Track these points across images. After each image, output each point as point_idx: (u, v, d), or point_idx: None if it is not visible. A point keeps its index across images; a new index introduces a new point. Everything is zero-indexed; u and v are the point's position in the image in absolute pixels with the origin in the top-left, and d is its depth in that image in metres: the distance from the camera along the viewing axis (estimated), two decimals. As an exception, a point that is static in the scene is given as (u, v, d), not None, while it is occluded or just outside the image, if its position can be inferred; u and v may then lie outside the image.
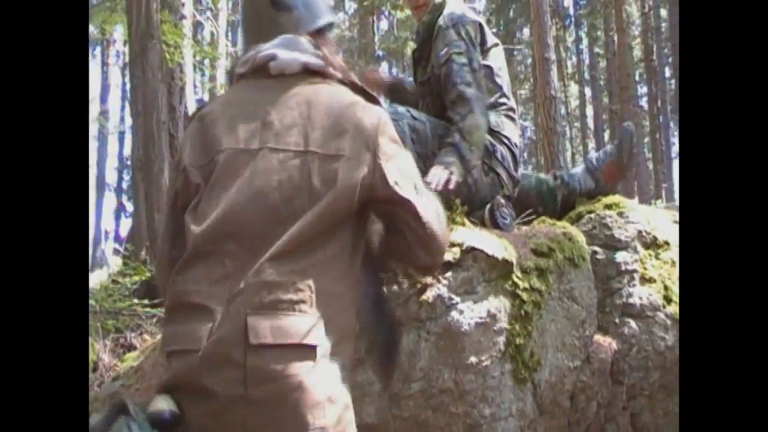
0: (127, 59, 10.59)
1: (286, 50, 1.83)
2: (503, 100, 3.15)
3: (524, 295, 2.55)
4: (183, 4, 8.67)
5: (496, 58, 3.17)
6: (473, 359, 2.43)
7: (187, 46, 8.59)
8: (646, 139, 24.09)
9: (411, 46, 3.53)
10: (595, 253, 2.85)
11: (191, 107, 8.68)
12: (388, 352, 2.07)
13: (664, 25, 22.84)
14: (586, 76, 26.16)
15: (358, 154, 1.70)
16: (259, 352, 1.51)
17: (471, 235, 2.58)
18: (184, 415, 1.54)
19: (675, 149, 23.91)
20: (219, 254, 1.61)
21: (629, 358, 2.72)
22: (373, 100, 1.84)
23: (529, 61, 21.70)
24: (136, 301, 5.75)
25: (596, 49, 24.93)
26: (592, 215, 2.99)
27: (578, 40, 26.63)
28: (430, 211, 1.80)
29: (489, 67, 3.12)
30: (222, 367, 1.52)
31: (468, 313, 2.45)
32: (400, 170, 1.76)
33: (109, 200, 28.48)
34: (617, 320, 2.78)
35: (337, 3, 25.14)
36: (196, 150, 1.76)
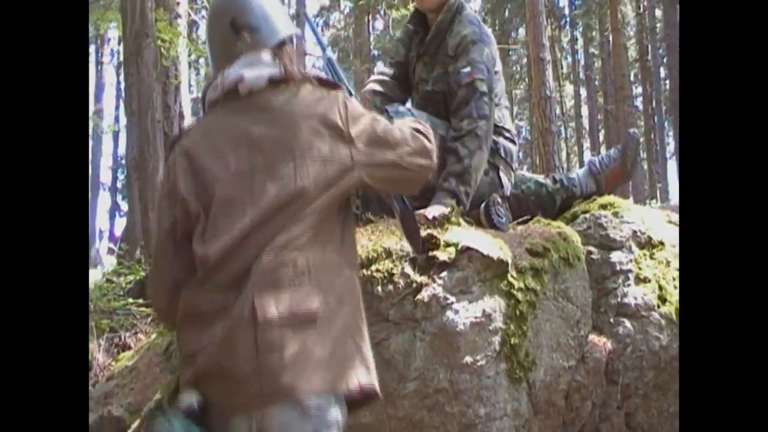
0: (121, 58, 10.56)
1: (250, 69, 1.94)
2: (503, 100, 3.19)
3: (519, 295, 2.55)
4: (178, 3, 8.64)
5: (498, 62, 3.20)
6: (468, 359, 2.43)
7: (182, 45, 8.56)
8: (641, 139, 24.10)
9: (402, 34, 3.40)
10: (590, 252, 2.85)
11: (186, 106, 8.66)
12: (407, 223, 2.24)
13: (659, 25, 22.87)
14: (581, 76, 26.16)
15: (337, 153, 1.86)
16: (267, 326, 1.68)
17: (466, 235, 2.58)
18: (209, 402, 1.71)
19: (670, 149, 23.96)
20: (230, 269, 1.78)
21: (624, 357, 2.73)
22: (335, 87, 1.99)
23: (525, 61, 21.69)
24: (130, 300, 5.74)
25: (591, 50, 24.94)
26: (587, 215, 2.99)
27: (573, 40, 26.63)
28: (411, 157, 1.96)
29: (497, 73, 3.14)
30: (236, 345, 1.69)
31: (463, 313, 2.45)
32: (373, 144, 1.91)
33: (104, 199, 28.43)
34: (612, 320, 2.78)
35: (333, 2, 25.14)
36: (190, 182, 1.88)
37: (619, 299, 2.79)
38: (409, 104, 3.17)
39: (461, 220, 2.70)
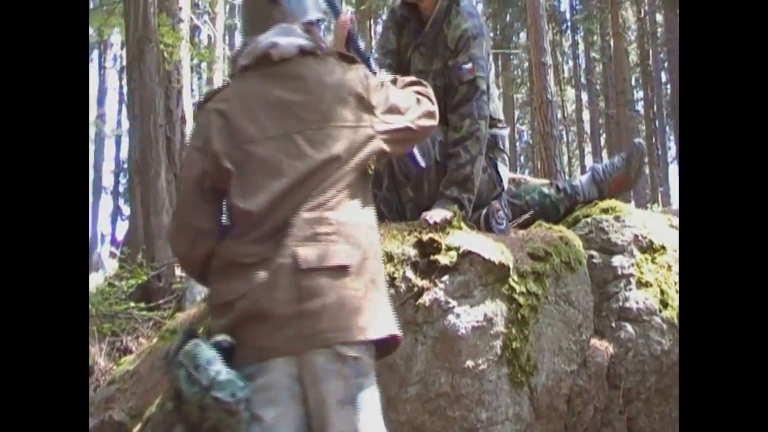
0: (124, 62, 10.59)
1: (284, 37, 2.08)
2: (493, 88, 3.19)
3: (521, 299, 2.55)
4: (180, 8, 8.67)
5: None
6: (470, 363, 2.43)
7: (185, 49, 8.58)
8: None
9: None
10: (591, 257, 2.85)
11: (188, 110, 8.67)
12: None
13: (660, 30, 22.88)
14: (583, 80, 26.18)
15: (361, 119, 2.03)
16: (308, 274, 1.84)
17: (468, 239, 2.58)
18: (243, 342, 1.83)
19: (671, 153, 23.96)
20: (269, 224, 1.92)
21: (626, 362, 2.73)
22: (354, 61, 2.16)
23: (526, 65, 21.71)
24: (132, 304, 5.74)
25: (592, 54, 24.95)
26: (589, 219, 2.99)
27: (575, 44, 26.65)
28: (420, 120, 2.15)
29: (490, 66, 3.15)
30: (278, 290, 1.83)
31: (465, 317, 2.45)
32: (389, 112, 2.08)
33: (106, 203, 28.45)
34: (614, 324, 2.78)
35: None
36: (225, 140, 2.00)
37: (620, 303, 2.79)
38: None
39: (463, 224, 2.70)
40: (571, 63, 27.39)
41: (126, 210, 24.47)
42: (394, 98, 2.12)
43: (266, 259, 1.88)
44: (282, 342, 1.82)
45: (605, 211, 3.03)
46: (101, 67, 27.60)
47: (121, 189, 26.59)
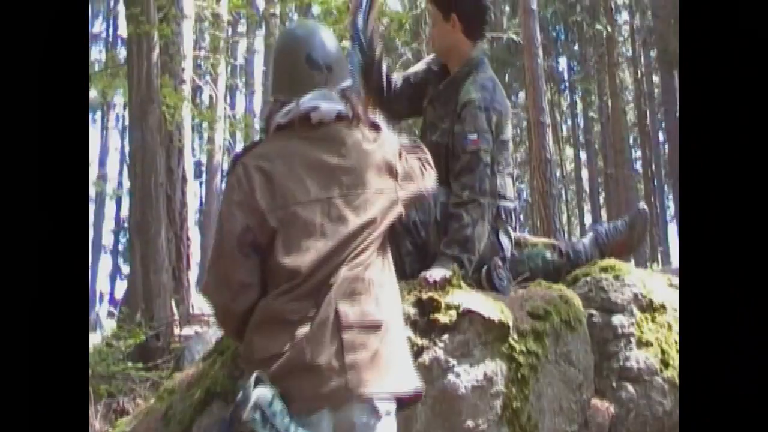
0: (126, 123, 10.71)
1: (326, 102, 2.18)
2: (508, 162, 3.20)
3: (521, 358, 2.54)
4: (183, 69, 8.80)
5: (509, 129, 3.22)
6: (470, 423, 2.41)
7: (186, 110, 8.69)
8: (642, 202, 24.15)
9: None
10: (591, 316, 2.85)
11: (189, 170, 8.74)
12: None
13: (656, 90, 23.18)
14: (581, 139, 26.41)
15: (390, 186, 2.17)
16: (349, 329, 1.94)
17: (467, 298, 2.58)
18: (289, 395, 1.87)
19: (670, 213, 24.03)
20: (312, 282, 2.01)
21: (627, 422, 2.70)
22: (380, 128, 2.27)
23: (525, 124, 21.93)
24: (130, 364, 5.70)
25: (590, 113, 25.21)
26: (588, 278, 2.99)
27: (573, 104, 26.97)
28: (426, 185, 2.33)
29: (504, 142, 3.16)
30: (323, 343, 1.92)
31: (464, 377, 2.43)
32: (406, 179, 2.24)
33: (105, 262, 28.45)
34: (614, 384, 2.76)
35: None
36: (268, 198, 2.09)
37: (621, 363, 2.78)
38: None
39: (462, 283, 2.70)
40: (569, 122, 27.66)
41: (125, 269, 24.47)
42: (408, 166, 2.27)
43: (306, 316, 1.96)
44: (328, 392, 1.88)
45: (605, 270, 3.04)
46: (104, 128, 27.88)
47: (120, 248, 26.63)
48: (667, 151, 22.04)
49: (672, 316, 2.90)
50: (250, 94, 23.25)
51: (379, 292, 2.04)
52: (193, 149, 10.40)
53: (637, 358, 2.79)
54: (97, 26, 27.02)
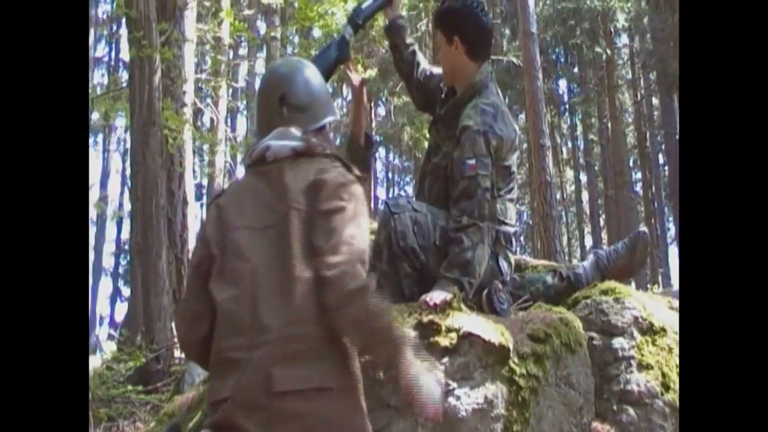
0: (128, 145, 10.73)
1: (278, 140, 2.16)
2: (511, 187, 3.20)
3: (521, 381, 2.54)
4: (185, 92, 8.84)
5: (513, 157, 3.23)
6: (470, 447, 2.40)
7: (188, 132, 8.71)
8: (642, 225, 24.18)
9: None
10: (591, 338, 2.85)
11: (190, 192, 8.75)
12: None
13: (656, 113, 23.25)
14: (582, 161, 26.44)
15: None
16: (283, 397, 1.80)
17: (468, 321, 2.58)
18: None
19: (670, 234, 23.99)
20: (242, 314, 1.92)
21: (628, 446, 2.69)
22: (347, 166, 2.15)
23: (525, 146, 21.99)
24: (130, 387, 5.68)
25: (591, 136, 25.24)
26: (589, 301, 2.99)
27: (573, 126, 27.01)
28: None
29: (507, 167, 3.17)
30: (250, 410, 1.81)
31: (465, 399, 2.43)
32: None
33: (105, 285, 28.41)
34: (615, 407, 2.75)
35: (336, 90, 25.63)
36: (215, 229, 2.11)
37: (621, 386, 2.77)
38: (411, 192, 3.21)
39: (463, 306, 2.70)
40: (569, 144, 27.71)
41: (125, 291, 24.44)
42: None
43: (240, 360, 1.87)
44: None
45: (605, 292, 3.04)
46: (105, 150, 27.98)
47: (121, 270, 26.59)
48: (667, 173, 22.07)
49: (672, 338, 2.90)
50: (252, 116, 23.33)
51: (333, 354, 1.91)
52: (194, 172, 10.41)
53: (638, 381, 2.78)
54: (100, 50, 27.18)
